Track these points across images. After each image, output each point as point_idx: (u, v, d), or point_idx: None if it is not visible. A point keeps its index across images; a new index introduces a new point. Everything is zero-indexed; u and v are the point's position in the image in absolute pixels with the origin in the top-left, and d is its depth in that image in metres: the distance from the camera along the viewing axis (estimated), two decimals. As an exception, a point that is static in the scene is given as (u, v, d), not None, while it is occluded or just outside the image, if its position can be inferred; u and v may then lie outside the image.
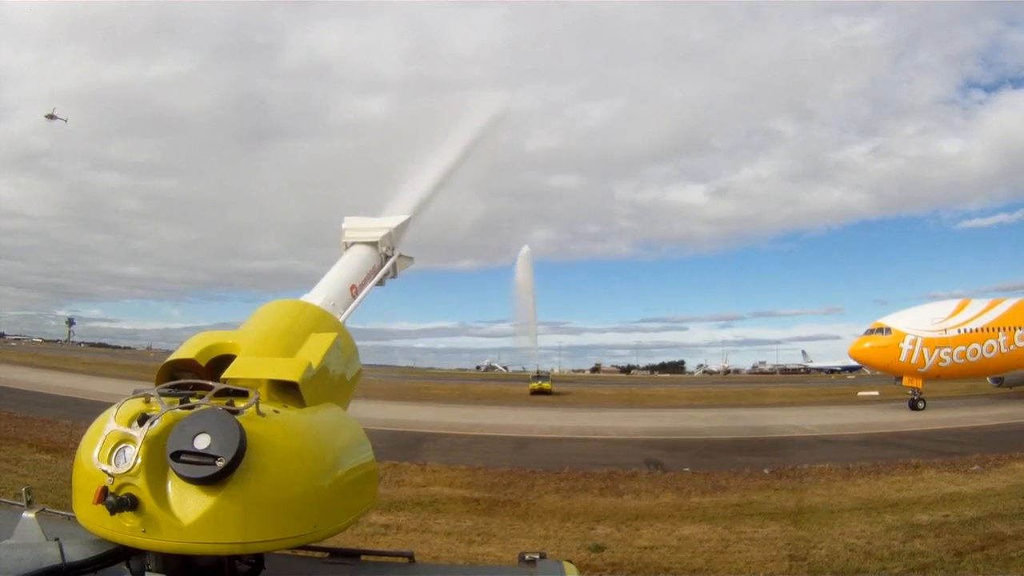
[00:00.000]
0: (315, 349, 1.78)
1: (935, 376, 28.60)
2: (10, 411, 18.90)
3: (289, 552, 1.55)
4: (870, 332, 29.61)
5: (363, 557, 1.81)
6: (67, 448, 12.36)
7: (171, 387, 1.55)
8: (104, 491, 1.29)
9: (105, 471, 1.30)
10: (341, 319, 2.21)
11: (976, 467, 13.50)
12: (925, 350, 27.95)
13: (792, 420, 25.33)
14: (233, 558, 1.44)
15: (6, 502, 1.92)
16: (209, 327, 1.92)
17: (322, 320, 2.02)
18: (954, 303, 30.05)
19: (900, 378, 28.74)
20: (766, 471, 13.83)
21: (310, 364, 1.68)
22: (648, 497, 11.71)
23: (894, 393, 32.10)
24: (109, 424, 1.37)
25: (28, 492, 1.69)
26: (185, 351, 1.74)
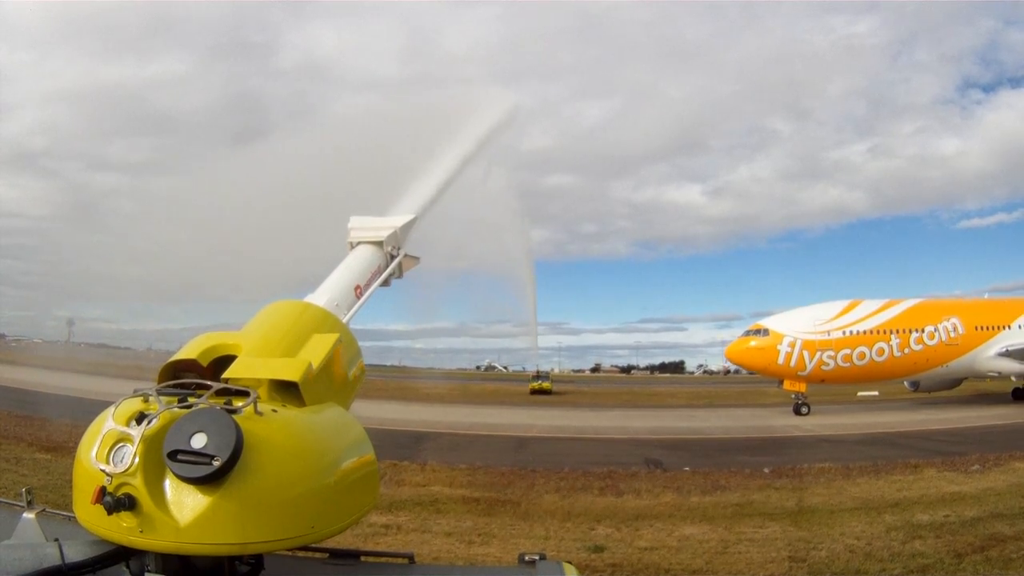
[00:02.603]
0: (316, 349, 1.78)
1: (819, 380, 27.42)
2: (10, 410, 18.92)
3: (288, 553, 1.54)
4: (748, 333, 28.50)
5: (363, 558, 1.81)
6: (67, 447, 12.36)
7: (171, 386, 1.54)
8: (102, 491, 1.28)
9: (103, 470, 1.30)
10: (345, 320, 2.21)
11: (976, 467, 13.49)
12: (805, 352, 26.76)
13: (791, 419, 25.33)
14: (232, 559, 1.44)
15: (6, 502, 1.92)
16: (209, 328, 1.91)
17: (324, 321, 2.02)
18: (842, 303, 28.73)
19: (781, 381, 27.67)
20: (766, 471, 13.83)
21: (310, 364, 1.68)
22: (648, 497, 11.71)
23: (896, 393, 32.07)
24: (107, 423, 1.36)
25: (28, 492, 1.69)
26: (187, 351, 1.74)
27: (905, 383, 31.21)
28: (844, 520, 9.61)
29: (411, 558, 1.80)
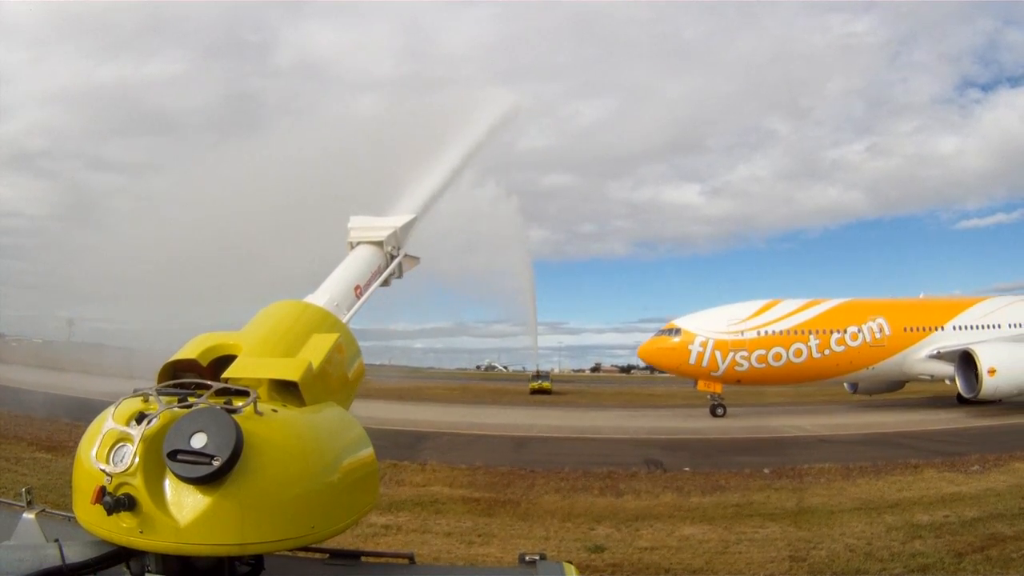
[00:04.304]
0: (316, 349, 1.78)
1: (735, 381, 26.64)
2: (10, 410, 18.92)
3: (289, 553, 1.54)
4: (661, 333, 27.82)
5: (363, 558, 1.81)
6: (67, 447, 12.36)
7: (171, 386, 1.54)
8: (102, 491, 1.28)
9: (103, 470, 1.30)
10: (345, 320, 2.21)
11: (976, 467, 13.50)
12: (717, 353, 25.97)
13: (792, 420, 25.31)
14: (232, 559, 1.43)
15: (6, 502, 1.92)
16: (209, 328, 1.91)
17: (324, 320, 2.02)
18: (760, 302, 27.74)
19: (696, 382, 27.08)
20: (766, 471, 13.83)
21: (310, 364, 1.68)
22: (648, 497, 11.71)
23: (895, 394, 31.99)
24: (107, 423, 1.36)
25: (28, 492, 1.69)
26: (187, 351, 1.74)
27: (845, 385, 30.58)
28: (844, 520, 9.61)
29: (411, 558, 1.80)
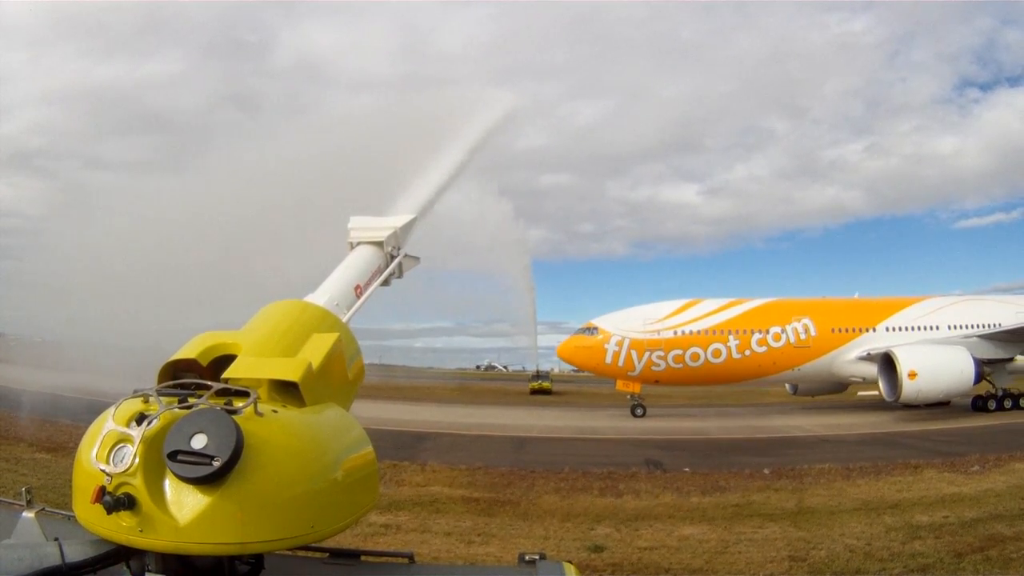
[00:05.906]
0: (316, 349, 1.78)
1: (653, 381, 26.30)
2: (10, 410, 18.90)
3: (289, 552, 1.54)
4: (579, 331, 27.24)
5: (363, 557, 1.81)
6: (67, 447, 12.36)
7: (171, 387, 1.55)
8: (102, 490, 1.28)
9: (103, 470, 1.30)
10: (345, 319, 2.21)
11: (976, 467, 13.49)
12: (633, 352, 25.57)
13: (791, 419, 25.29)
14: (232, 558, 1.44)
15: (6, 502, 1.92)
16: (209, 328, 1.91)
17: (324, 320, 2.02)
18: (680, 302, 27.28)
19: (615, 381, 26.75)
20: (766, 471, 13.83)
21: (310, 364, 1.68)
22: (648, 497, 11.71)
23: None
24: (108, 423, 1.37)
25: (28, 492, 1.69)
26: (186, 351, 1.74)
27: (786, 386, 30.24)
28: (844, 520, 9.62)
29: (411, 558, 1.80)
